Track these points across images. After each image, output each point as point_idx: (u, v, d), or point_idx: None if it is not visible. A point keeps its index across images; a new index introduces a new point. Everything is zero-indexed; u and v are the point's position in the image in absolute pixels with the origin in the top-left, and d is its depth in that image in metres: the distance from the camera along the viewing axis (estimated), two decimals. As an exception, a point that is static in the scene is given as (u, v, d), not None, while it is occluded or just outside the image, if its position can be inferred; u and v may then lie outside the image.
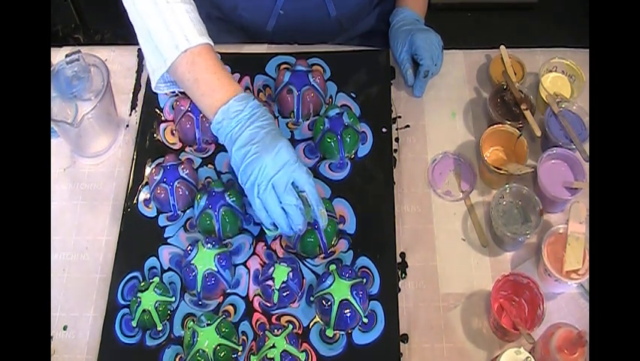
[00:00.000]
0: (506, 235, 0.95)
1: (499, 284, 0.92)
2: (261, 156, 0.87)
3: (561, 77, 1.11)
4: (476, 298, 0.96)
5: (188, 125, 1.06)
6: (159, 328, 0.93)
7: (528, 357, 0.83)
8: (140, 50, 1.14)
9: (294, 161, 0.88)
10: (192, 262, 0.94)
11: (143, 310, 0.92)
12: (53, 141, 1.09)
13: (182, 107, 1.06)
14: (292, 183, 0.88)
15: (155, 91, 0.97)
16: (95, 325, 0.96)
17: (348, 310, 0.90)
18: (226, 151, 0.92)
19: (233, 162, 0.91)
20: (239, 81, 1.13)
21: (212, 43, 0.93)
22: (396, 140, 1.09)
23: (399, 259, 0.99)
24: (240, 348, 0.91)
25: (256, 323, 0.94)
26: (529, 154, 1.01)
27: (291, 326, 0.92)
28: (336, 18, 1.18)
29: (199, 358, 0.87)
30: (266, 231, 0.93)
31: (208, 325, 0.89)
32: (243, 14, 1.19)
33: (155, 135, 1.09)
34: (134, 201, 1.03)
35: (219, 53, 0.97)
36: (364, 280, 0.95)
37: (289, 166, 0.88)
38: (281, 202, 0.88)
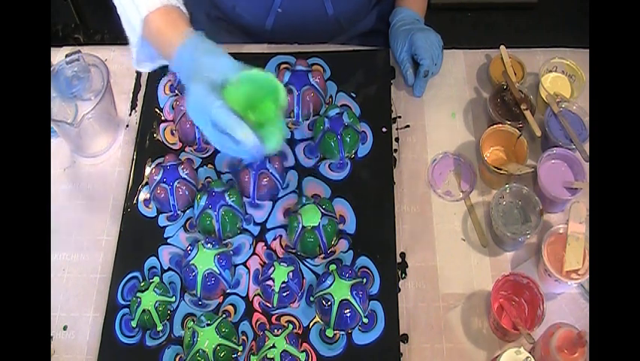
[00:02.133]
0: (506, 235, 0.95)
1: (499, 284, 0.92)
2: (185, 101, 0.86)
3: (561, 77, 1.11)
4: (476, 298, 0.96)
5: (188, 125, 1.06)
6: (159, 328, 0.93)
7: (528, 357, 0.83)
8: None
9: (201, 99, 0.82)
10: (192, 262, 0.93)
11: (143, 311, 0.92)
12: (53, 141, 1.09)
13: (182, 107, 1.06)
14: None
15: (137, 69, 0.96)
16: (95, 325, 0.96)
17: (348, 310, 0.90)
18: None
19: None
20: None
21: (173, 3, 0.90)
22: (397, 140, 1.09)
23: (399, 259, 0.99)
24: (240, 348, 0.91)
25: (256, 323, 0.94)
26: (529, 154, 1.01)
27: (291, 326, 0.92)
28: (334, 17, 1.18)
29: (199, 358, 0.87)
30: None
31: (208, 325, 0.89)
32: (241, 13, 1.19)
33: (155, 135, 1.09)
34: (134, 201, 1.03)
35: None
36: (364, 280, 0.95)
37: (197, 105, 0.83)
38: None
